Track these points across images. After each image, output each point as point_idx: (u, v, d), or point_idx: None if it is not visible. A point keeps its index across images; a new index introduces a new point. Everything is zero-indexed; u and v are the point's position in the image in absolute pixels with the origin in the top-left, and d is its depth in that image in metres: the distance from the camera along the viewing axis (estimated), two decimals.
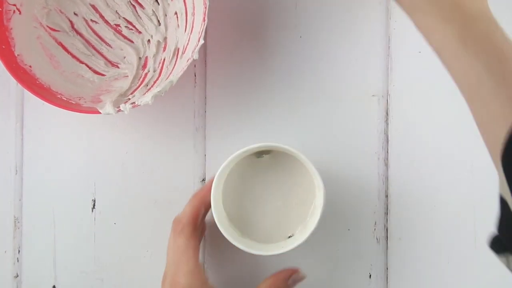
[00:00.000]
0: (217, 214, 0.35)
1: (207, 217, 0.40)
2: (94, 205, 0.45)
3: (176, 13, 0.44)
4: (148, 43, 0.45)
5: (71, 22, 0.45)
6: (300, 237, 0.35)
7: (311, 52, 0.45)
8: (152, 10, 0.45)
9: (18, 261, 0.46)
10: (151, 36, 0.45)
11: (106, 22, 0.45)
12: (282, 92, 0.45)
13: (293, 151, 0.35)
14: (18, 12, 0.42)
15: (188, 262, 0.36)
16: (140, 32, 0.45)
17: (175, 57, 0.43)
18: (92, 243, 0.45)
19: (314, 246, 0.44)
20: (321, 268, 0.44)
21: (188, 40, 0.42)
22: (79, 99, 0.42)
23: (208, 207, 0.38)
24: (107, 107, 0.39)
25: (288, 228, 0.38)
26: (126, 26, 0.45)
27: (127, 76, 0.45)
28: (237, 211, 0.38)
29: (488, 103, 0.27)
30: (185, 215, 0.38)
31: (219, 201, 0.37)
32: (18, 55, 0.41)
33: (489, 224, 0.43)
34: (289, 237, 0.38)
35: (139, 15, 0.45)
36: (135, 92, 0.43)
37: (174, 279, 0.36)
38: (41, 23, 0.43)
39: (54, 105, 0.40)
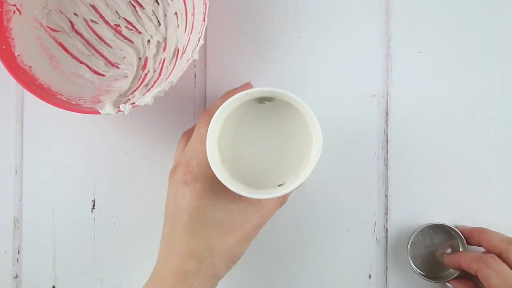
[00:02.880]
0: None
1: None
2: (94, 205, 0.45)
3: (176, 13, 0.44)
4: (148, 44, 0.45)
5: (71, 22, 0.45)
6: (291, 185, 0.34)
7: (311, 52, 0.45)
8: (152, 10, 0.45)
9: (18, 261, 0.46)
10: (151, 37, 0.45)
11: (106, 22, 0.45)
12: None
13: (295, 98, 0.34)
14: (18, 13, 0.42)
15: (205, 152, 0.34)
16: (140, 33, 0.45)
17: (175, 57, 0.43)
18: (92, 243, 0.45)
19: (314, 246, 0.44)
20: (321, 268, 0.44)
21: (188, 41, 0.42)
22: (79, 100, 0.42)
23: None
24: (107, 108, 0.39)
25: (279, 176, 0.37)
26: (126, 27, 0.45)
27: (127, 76, 0.45)
28: (231, 153, 0.37)
29: None
30: (215, 107, 0.35)
31: (215, 139, 0.36)
32: (18, 55, 0.41)
33: (488, 224, 0.43)
34: (279, 185, 0.37)
35: (139, 15, 0.45)
36: (135, 93, 0.43)
37: (188, 168, 0.35)
38: (41, 24, 0.43)
39: (54, 105, 0.40)
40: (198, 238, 0.35)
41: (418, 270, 0.43)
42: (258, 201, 0.36)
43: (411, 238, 0.42)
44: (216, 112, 0.34)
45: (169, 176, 0.38)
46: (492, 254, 0.37)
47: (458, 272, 0.41)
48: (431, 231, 0.43)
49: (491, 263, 0.36)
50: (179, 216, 0.35)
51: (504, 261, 0.37)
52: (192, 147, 0.37)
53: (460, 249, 0.43)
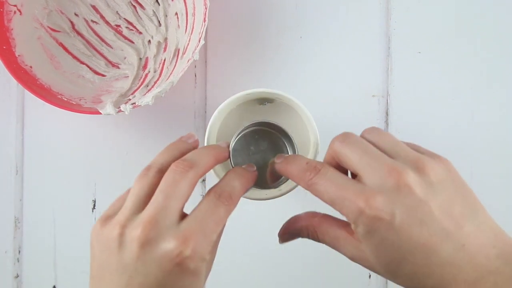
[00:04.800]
0: None
1: None
2: (94, 205, 0.45)
3: (176, 13, 0.44)
4: (148, 44, 0.45)
5: (71, 22, 0.45)
6: (285, 188, 0.34)
7: (311, 52, 0.45)
8: (153, 10, 0.45)
9: (18, 261, 0.46)
10: (152, 37, 0.45)
11: (107, 22, 0.45)
12: None
13: (295, 102, 0.35)
14: (19, 13, 0.42)
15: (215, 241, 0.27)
16: (140, 33, 0.45)
17: (176, 57, 0.43)
18: None
19: (314, 246, 0.44)
20: (321, 268, 0.44)
21: (189, 41, 0.42)
22: (80, 100, 0.42)
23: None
24: (108, 108, 0.39)
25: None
26: (126, 27, 0.46)
27: (128, 76, 0.45)
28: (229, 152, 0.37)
29: None
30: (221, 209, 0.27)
31: (214, 137, 0.36)
32: (19, 55, 0.41)
33: None
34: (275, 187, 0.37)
35: (139, 16, 0.45)
36: (136, 93, 0.43)
37: (196, 243, 0.25)
38: (41, 24, 0.43)
39: (55, 105, 0.40)
40: None
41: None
42: None
43: (232, 144, 0.34)
44: (217, 110, 0.34)
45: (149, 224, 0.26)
46: (319, 162, 0.29)
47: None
48: (257, 136, 0.35)
49: (320, 172, 0.28)
50: None
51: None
52: (207, 220, 0.27)
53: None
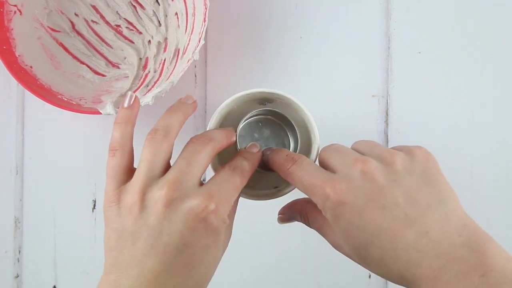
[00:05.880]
0: None
1: None
2: (94, 205, 0.45)
3: (176, 13, 0.44)
4: (148, 44, 0.45)
5: (72, 22, 0.45)
6: (285, 189, 0.35)
7: (311, 52, 0.45)
8: (153, 10, 0.45)
9: (18, 261, 0.46)
10: (152, 37, 0.45)
11: (107, 22, 0.46)
12: None
13: (295, 101, 0.35)
14: (19, 13, 0.42)
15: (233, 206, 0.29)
16: (140, 33, 0.45)
17: (176, 57, 0.43)
18: (93, 243, 0.45)
19: (315, 246, 0.44)
20: (322, 268, 0.44)
21: (189, 41, 0.42)
22: (80, 100, 0.42)
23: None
24: (108, 108, 0.39)
25: (275, 179, 0.37)
26: (126, 27, 0.46)
27: (128, 76, 0.45)
28: (228, 153, 0.37)
29: None
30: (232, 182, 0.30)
31: None
32: (19, 55, 0.41)
33: (487, 226, 0.43)
34: (275, 187, 0.37)
35: (139, 16, 0.45)
36: (136, 93, 0.43)
37: (217, 204, 0.27)
38: (42, 24, 0.43)
39: (55, 105, 0.40)
40: None
41: None
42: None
43: (238, 130, 0.35)
44: (217, 110, 0.35)
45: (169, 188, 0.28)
46: (297, 154, 0.32)
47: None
48: (260, 124, 0.37)
49: (296, 162, 0.30)
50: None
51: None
52: (226, 185, 0.29)
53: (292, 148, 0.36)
